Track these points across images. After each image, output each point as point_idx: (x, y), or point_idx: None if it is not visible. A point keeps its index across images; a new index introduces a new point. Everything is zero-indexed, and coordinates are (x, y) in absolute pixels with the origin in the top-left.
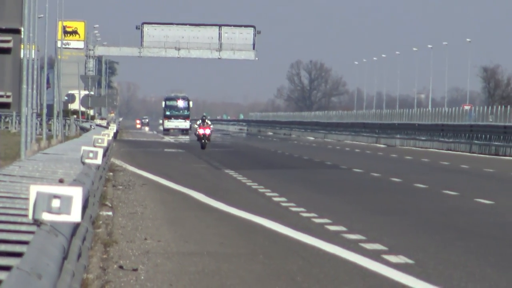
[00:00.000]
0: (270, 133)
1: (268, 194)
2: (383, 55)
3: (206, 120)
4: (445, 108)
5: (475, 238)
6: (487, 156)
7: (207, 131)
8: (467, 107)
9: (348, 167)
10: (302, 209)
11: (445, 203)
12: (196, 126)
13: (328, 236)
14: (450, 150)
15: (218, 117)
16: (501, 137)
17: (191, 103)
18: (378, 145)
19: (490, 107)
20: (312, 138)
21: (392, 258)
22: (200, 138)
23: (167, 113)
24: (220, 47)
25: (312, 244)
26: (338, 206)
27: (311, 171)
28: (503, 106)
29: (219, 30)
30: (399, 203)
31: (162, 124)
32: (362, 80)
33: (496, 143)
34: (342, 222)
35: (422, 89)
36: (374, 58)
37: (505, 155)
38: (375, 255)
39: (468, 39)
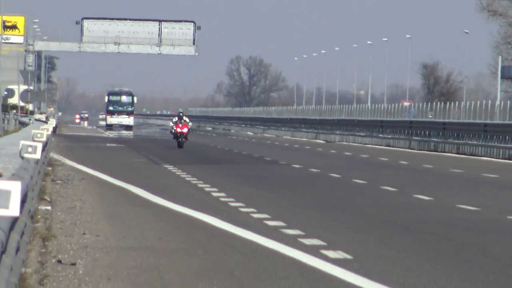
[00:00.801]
0: (209, 128)
1: (207, 189)
2: (323, 51)
3: (184, 118)
4: (385, 104)
5: (413, 233)
6: (426, 152)
7: (185, 130)
8: (406, 104)
9: (287, 162)
10: (241, 204)
11: (384, 198)
12: (172, 124)
13: (267, 231)
14: (389, 146)
15: (158, 112)
16: (440, 133)
17: (135, 98)
18: (318, 140)
19: (429, 104)
20: (251, 134)
21: (331, 254)
22: (177, 136)
23: (110, 108)
24: (160, 42)
25: (251, 239)
26: (277, 201)
27: (250, 167)
28: (442, 103)
29: (159, 25)
30: (338, 199)
31: (105, 119)
32: (301, 76)
33: (435, 139)
34: (281, 217)
35: (361, 85)
36: (314, 54)
37: (444, 151)
38: (313, 251)
39: (408, 35)
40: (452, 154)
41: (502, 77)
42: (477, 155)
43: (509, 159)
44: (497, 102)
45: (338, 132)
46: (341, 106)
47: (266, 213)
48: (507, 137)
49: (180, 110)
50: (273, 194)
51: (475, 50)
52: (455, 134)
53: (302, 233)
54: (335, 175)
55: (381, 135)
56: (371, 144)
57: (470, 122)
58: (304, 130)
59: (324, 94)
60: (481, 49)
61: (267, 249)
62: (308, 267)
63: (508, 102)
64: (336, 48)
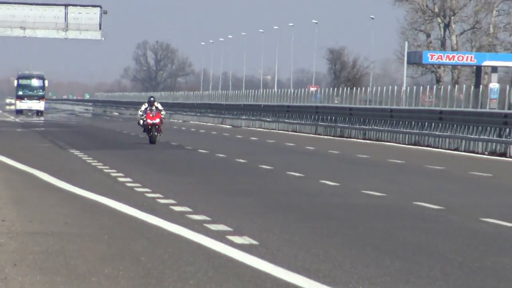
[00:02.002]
0: (116, 114)
1: (113, 174)
2: (230, 36)
3: (156, 104)
4: (291, 90)
5: (319, 219)
6: (333, 137)
7: (157, 120)
8: (313, 89)
9: (193, 147)
10: (147, 189)
11: (290, 184)
12: (140, 113)
13: (173, 217)
14: (296, 131)
15: (64, 97)
16: (347, 119)
17: (46, 82)
18: (224, 126)
19: (335, 89)
20: None
21: (237, 239)
22: (147, 129)
23: (20, 93)
24: (67, 27)
25: (157, 225)
26: (183, 186)
27: (157, 151)
28: (348, 88)
29: (65, 9)
30: (244, 184)
31: (15, 104)
32: (208, 61)
33: (341, 124)
34: (187, 202)
35: (268, 70)
36: (221, 39)
37: (350, 137)
38: (219, 236)
39: (314, 21)
40: (359, 140)
41: (408, 63)
42: (383, 141)
43: (414, 144)
44: (403, 88)
45: (244, 117)
46: (248, 91)
47: (172, 198)
48: (412, 122)
49: (152, 96)
50: (179, 179)
51: (381, 36)
52: (361, 119)
53: (208, 218)
54: (241, 160)
55: (287, 121)
56: (278, 130)
57: (376, 108)
58: (210, 115)
59: (231, 79)
60: (387, 35)
61: (173, 235)
62: (214, 253)
63: (414, 87)
64: (243, 33)
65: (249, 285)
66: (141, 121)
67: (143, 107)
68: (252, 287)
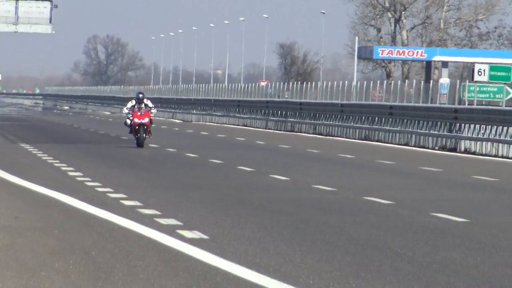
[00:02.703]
0: (66, 107)
1: (63, 168)
2: (180, 31)
3: (145, 101)
4: (242, 84)
5: (270, 214)
6: (283, 132)
7: (145, 120)
8: (263, 83)
9: None
10: (97, 183)
11: (240, 179)
12: (127, 110)
13: (124, 211)
14: (246, 126)
15: (14, 91)
16: (297, 113)
17: None
18: (175, 120)
19: (286, 84)
20: (108, 113)
21: (187, 233)
22: (134, 130)
23: None
24: (17, 20)
25: (107, 219)
26: (134, 181)
27: (107, 146)
28: (299, 83)
29: (15, 3)
30: (194, 179)
31: None
32: (159, 55)
33: (291, 119)
34: (137, 197)
35: (219, 64)
36: (171, 34)
37: (300, 132)
38: (170, 230)
39: (265, 15)
40: (309, 135)
41: (358, 58)
42: (334, 136)
43: (364, 139)
44: (354, 83)
45: (195, 111)
46: (198, 85)
47: (122, 192)
48: (363, 117)
49: (141, 92)
50: (130, 173)
51: (332, 31)
52: (312, 114)
53: (158, 213)
54: (191, 155)
55: (238, 115)
56: (228, 124)
57: (327, 102)
58: (161, 109)
59: (181, 73)
60: (338, 30)
61: (124, 229)
62: (164, 247)
63: (365, 82)
64: (194, 28)
65: (199, 280)
66: (128, 121)
67: (129, 104)
68: (202, 281)
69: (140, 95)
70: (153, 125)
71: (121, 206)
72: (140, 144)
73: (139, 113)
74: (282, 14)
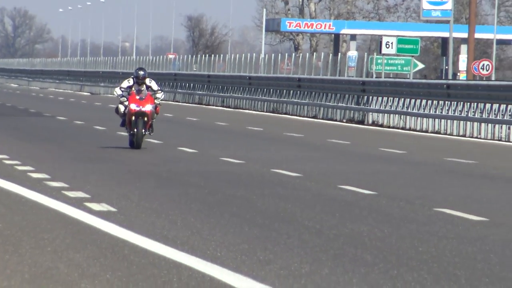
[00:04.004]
0: None
1: None
2: (88, 3)
3: (147, 82)
4: (150, 57)
5: (177, 186)
6: (191, 105)
7: (148, 107)
8: (171, 56)
9: (51, 114)
10: (5, 156)
11: (148, 151)
12: (119, 91)
13: (31, 184)
14: None
15: None
16: (205, 86)
17: None
18: (83, 93)
19: (194, 56)
20: (15, 86)
21: (95, 206)
22: (129, 121)
23: None
24: None
25: (15, 192)
26: (42, 153)
27: (15, 118)
28: (207, 55)
29: None
30: (103, 152)
31: None
32: (67, 27)
33: (200, 92)
34: (45, 169)
35: (127, 37)
36: (79, 6)
37: (208, 104)
38: (77, 203)
39: None
40: (217, 107)
41: (266, 31)
42: (242, 108)
43: (273, 112)
44: (262, 55)
45: (102, 84)
46: (106, 58)
47: (30, 165)
48: (271, 90)
49: (140, 67)
50: (38, 146)
51: (240, 3)
52: (220, 87)
53: (66, 185)
54: (99, 127)
55: None
56: None
57: (235, 75)
58: (69, 82)
59: (89, 46)
60: (246, 2)
61: (31, 201)
62: (72, 219)
63: (273, 55)
64: (102, 0)
65: (107, 252)
66: (121, 107)
67: (124, 83)
68: (110, 253)
69: (141, 72)
70: (156, 115)
71: (29, 178)
72: (135, 143)
73: (137, 97)
74: None
